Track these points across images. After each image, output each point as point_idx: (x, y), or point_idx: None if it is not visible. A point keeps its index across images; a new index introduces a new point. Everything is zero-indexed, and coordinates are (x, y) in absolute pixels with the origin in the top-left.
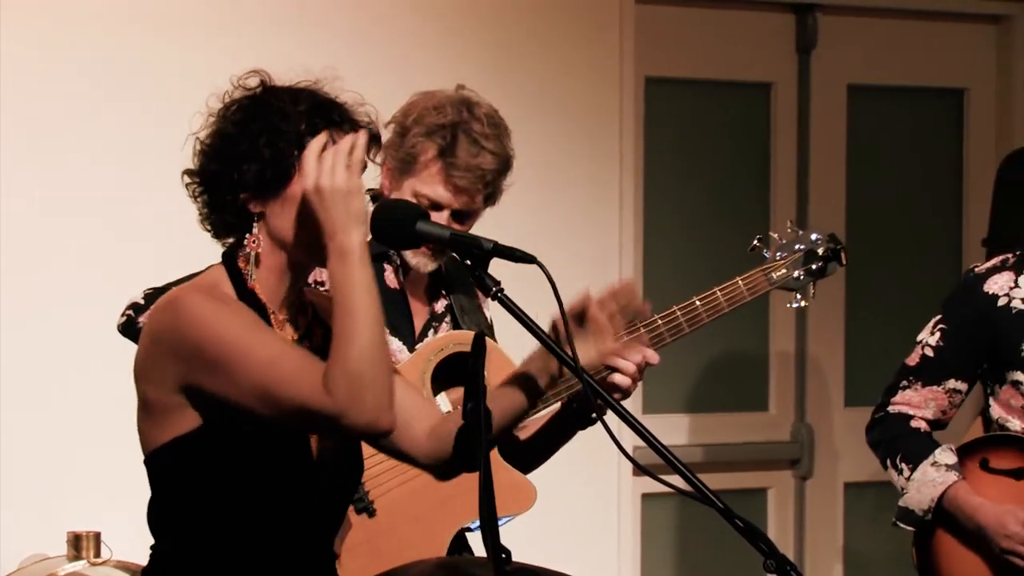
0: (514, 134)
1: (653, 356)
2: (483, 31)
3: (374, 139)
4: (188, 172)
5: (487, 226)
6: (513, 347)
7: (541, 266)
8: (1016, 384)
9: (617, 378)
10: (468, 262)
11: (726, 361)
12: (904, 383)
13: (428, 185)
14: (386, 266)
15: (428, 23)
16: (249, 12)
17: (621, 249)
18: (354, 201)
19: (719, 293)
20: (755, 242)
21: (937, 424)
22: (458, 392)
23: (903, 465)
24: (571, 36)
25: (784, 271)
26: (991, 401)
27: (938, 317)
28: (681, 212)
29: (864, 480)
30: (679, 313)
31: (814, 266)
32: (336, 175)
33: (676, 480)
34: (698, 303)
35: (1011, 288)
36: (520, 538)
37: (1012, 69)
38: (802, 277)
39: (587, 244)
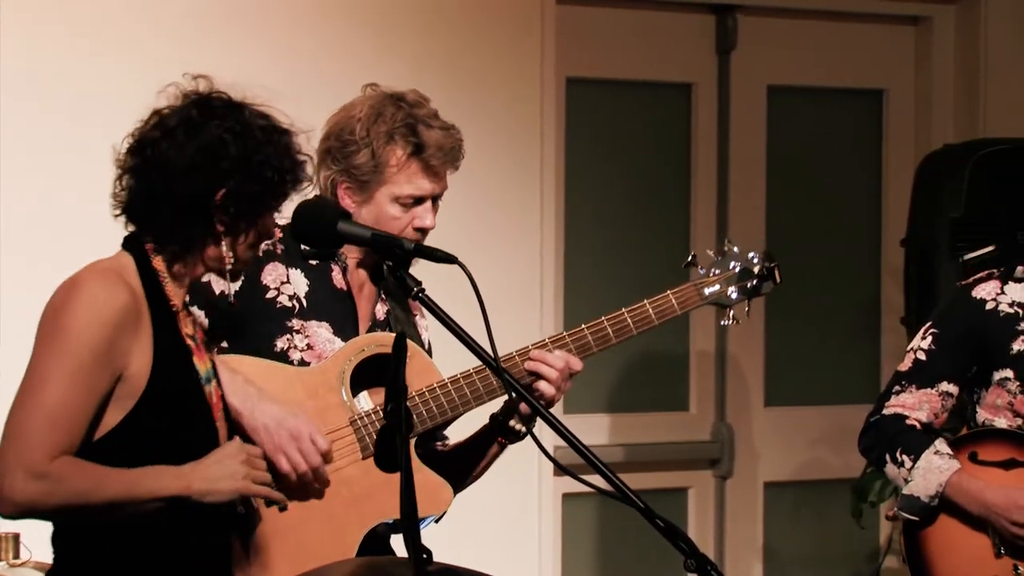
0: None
1: (576, 363)
2: (403, 33)
3: None
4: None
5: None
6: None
7: (462, 266)
8: (1003, 382)
9: (542, 385)
10: (390, 262)
11: (647, 361)
12: (897, 388)
13: (411, 184)
14: (333, 266)
15: (349, 24)
16: (175, 16)
17: (542, 249)
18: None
19: (649, 306)
20: (689, 258)
21: (929, 427)
22: (380, 393)
23: (904, 457)
24: (492, 37)
25: (717, 287)
26: (977, 408)
27: (928, 324)
28: (602, 212)
29: (784, 480)
30: (607, 324)
31: (749, 284)
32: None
33: (597, 480)
34: (627, 315)
35: (998, 294)
36: (441, 538)
37: (931, 70)
38: (736, 295)
39: (508, 244)
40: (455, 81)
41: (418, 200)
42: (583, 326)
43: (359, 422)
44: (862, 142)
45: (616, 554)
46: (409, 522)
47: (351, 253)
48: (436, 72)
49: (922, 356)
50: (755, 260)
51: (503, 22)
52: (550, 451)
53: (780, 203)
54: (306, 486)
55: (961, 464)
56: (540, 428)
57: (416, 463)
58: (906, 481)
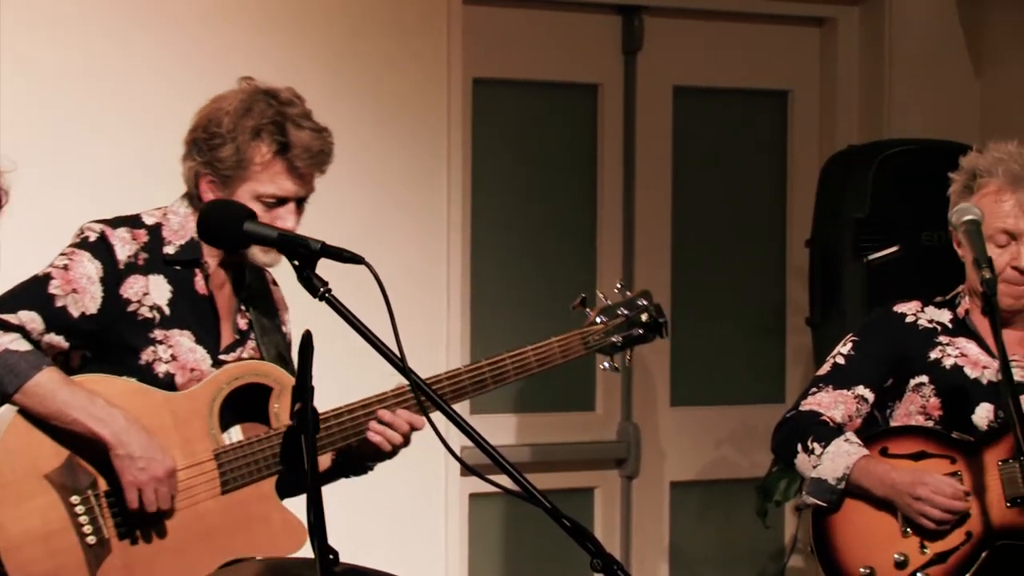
0: (342, 135)
1: (419, 422)
2: (310, 32)
3: None
4: None
5: (312, 226)
6: (348, 351)
7: (369, 266)
8: (918, 387)
9: (377, 439)
10: (296, 262)
11: None
12: (814, 389)
13: (272, 183)
14: (196, 272)
15: (256, 23)
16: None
17: (449, 249)
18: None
19: (531, 353)
20: (578, 301)
21: (840, 429)
22: (254, 427)
23: (815, 445)
24: (398, 37)
25: (601, 337)
26: (889, 422)
27: (850, 334)
28: (509, 212)
29: (690, 479)
30: (486, 368)
31: (634, 333)
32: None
33: (504, 480)
34: (508, 360)
35: (918, 311)
36: (348, 538)
37: (835, 71)
38: (620, 343)
39: (415, 245)
40: (362, 82)
41: (281, 200)
42: (461, 368)
43: (223, 456)
44: (767, 143)
45: (523, 554)
46: (315, 522)
47: (211, 257)
48: (343, 73)
49: (841, 360)
50: (644, 307)
51: (409, 23)
52: (457, 451)
53: (686, 203)
54: (158, 519)
55: (872, 455)
56: (447, 428)
57: (274, 502)
58: (815, 467)
